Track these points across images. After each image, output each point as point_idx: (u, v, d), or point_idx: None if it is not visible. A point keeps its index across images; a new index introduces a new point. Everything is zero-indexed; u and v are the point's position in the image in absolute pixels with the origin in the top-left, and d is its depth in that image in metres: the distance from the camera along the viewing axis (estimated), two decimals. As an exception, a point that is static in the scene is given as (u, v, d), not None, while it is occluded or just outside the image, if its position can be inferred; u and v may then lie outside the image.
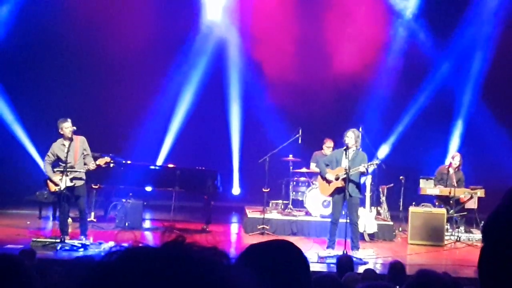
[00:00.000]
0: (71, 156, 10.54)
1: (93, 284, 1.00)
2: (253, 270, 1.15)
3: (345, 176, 10.58)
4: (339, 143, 12.88)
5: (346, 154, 10.68)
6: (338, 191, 10.81)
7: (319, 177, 11.60)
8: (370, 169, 10.87)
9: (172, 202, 12.91)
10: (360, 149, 10.96)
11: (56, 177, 10.56)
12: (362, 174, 10.86)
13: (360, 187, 10.99)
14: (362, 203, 12.15)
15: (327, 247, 10.91)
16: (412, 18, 17.66)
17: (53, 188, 10.71)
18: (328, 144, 14.07)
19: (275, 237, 11.07)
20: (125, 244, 1.06)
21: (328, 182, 11.04)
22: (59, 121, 10.57)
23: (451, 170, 13.59)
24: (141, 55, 16.25)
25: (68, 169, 10.38)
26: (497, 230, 1.25)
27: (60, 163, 10.56)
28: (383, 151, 16.57)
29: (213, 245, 1.06)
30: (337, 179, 10.80)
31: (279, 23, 16.75)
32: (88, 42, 16.62)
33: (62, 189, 10.44)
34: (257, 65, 17.05)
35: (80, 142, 10.71)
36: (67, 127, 10.47)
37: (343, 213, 11.11)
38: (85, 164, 10.70)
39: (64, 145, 10.50)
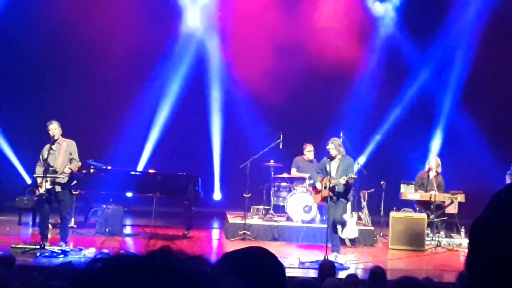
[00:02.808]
0: (54, 158, 10.46)
1: None
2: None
3: (331, 185, 10.82)
4: (319, 148, 12.96)
5: (330, 163, 10.98)
6: (329, 197, 10.97)
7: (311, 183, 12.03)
8: (351, 181, 10.98)
9: (153, 208, 12.85)
10: (346, 156, 11.14)
11: (38, 180, 10.49)
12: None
13: (347, 193, 11.15)
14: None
15: (332, 251, 10.96)
16: (394, 23, 17.79)
17: (37, 191, 10.65)
18: (308, 149, 14.15)
19: (256, 243, 11.13)
20: (107, 251, 1.04)
21: (317, 191, 11.23)
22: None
23: (431, 174, 13.65)
24: (122, 60, 16.13)
25: (48, 174, 10.30)
26: (485, 234, 1.25)
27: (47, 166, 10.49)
28: (364, 156, 16.61)
29: (199, 253, 1.05)
30: (325, 188, 10.96)
31: (260, 28, 16.72)
32: (68, 48, 16.52)
33: (41, 192, 10.35)
34: (238, 71, 17.01)
35: (67, 145, 10.60)
36: (49, 128, 10.45)
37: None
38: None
39: (51, 147, 10.43)
